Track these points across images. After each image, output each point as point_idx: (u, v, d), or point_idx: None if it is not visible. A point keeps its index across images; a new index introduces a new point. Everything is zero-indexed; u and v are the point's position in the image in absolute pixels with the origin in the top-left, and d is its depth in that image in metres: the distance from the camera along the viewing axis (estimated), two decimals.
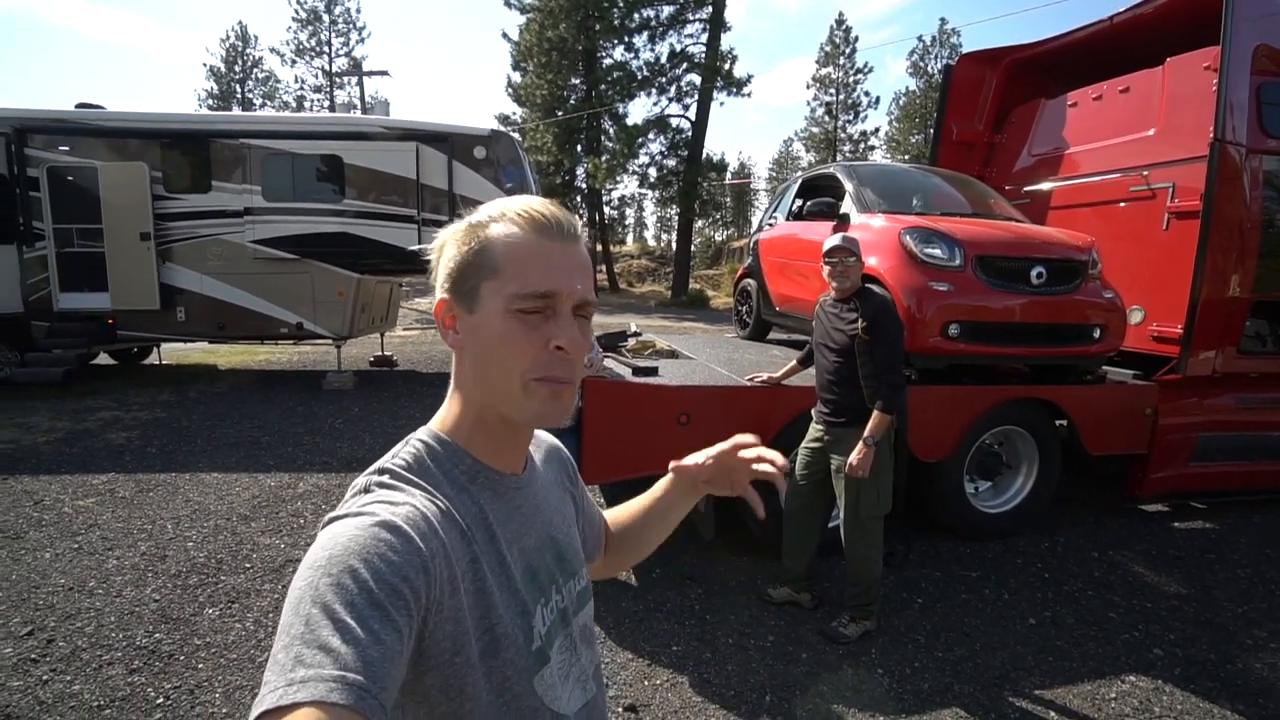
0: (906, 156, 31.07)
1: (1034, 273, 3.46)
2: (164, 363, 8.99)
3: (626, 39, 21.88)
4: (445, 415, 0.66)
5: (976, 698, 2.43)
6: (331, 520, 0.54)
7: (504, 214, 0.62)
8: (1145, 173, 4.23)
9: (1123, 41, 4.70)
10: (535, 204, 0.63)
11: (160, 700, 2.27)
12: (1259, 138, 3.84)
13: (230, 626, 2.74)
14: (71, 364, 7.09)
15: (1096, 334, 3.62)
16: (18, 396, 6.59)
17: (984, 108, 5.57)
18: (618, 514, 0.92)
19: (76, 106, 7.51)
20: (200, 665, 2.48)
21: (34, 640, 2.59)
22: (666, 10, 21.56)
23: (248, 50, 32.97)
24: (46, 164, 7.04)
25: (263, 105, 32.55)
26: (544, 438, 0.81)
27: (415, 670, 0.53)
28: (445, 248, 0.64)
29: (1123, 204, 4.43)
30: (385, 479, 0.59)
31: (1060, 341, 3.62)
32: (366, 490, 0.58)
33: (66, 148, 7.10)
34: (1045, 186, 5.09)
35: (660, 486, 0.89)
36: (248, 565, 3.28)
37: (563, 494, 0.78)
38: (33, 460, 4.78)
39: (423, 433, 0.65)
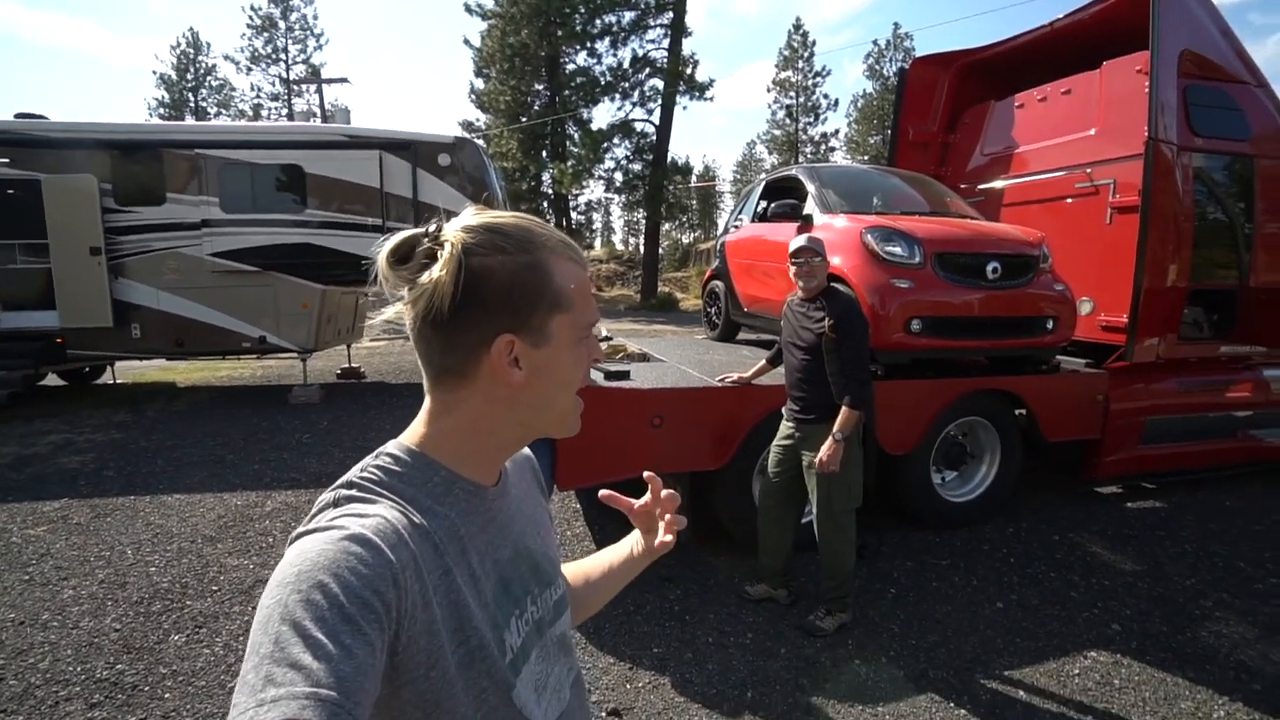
0: (866, 157, 31.84)
1: (989, 268, 3.60)
2: (118, 382, 8.61)
3: (589, 44, 21.91)
4: (427, 432, 0.64)
5: (950, 682, 2.51)
6: (299, 536, 0.53)
7: (547, 243, 0.62)
8: (1089, 170, 4.44)
9: (1064, 45, 4.93)
10: (556, 232, 0.65)
11: None
12: (1187, 136, 4.07)
13: (198, 653, 2.65)
14: (16, 386, 6.74)
15: (1050, 325, 3.78)
16: None
17: (938, 109, 5.77)
18: (578, 568, 0.92)
19: (16, 116, 7.17)
20: (167, 695, 2.39)
21: None
22: (628, 16, 21.68)
23: (200, 57, 31.92)
24: None
25: (218, 114, 31.56)
26: None
27: (391, 685, 0.52)
28: (454, 280, 0.57)
29: (1069, 200, 4.64)
30: (353, 492, 0.58)
31: (1016, 333, 3.77)
32: (335, 504, 0.57)
33: (6, 160, 6.78)
34: (997, 184, 5.29)
35: (626, 544, 0.92)
36: (215, 588, 3.17)
37: (536, 503, 0.78)
38: None
39: (392, 446, 0.63)
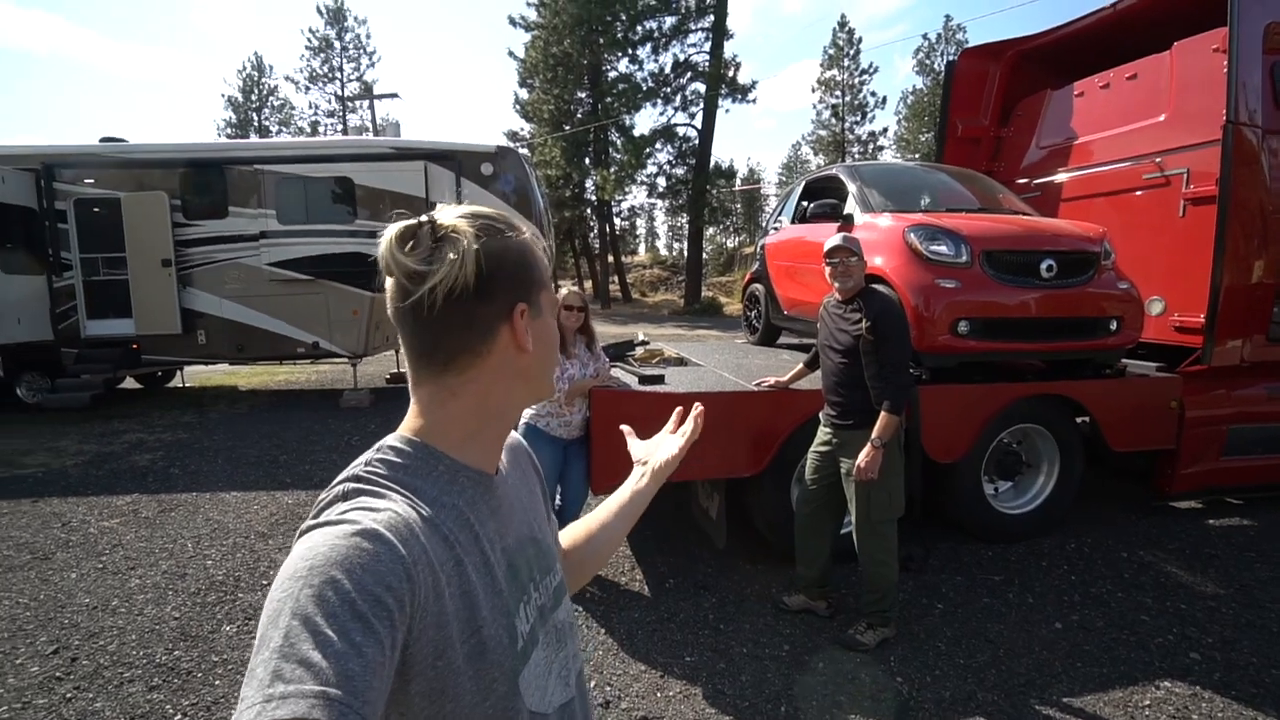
0: (916, 155, 30.82)
1: (1044, 266, 3.39)
2: (187, 385, 9.20)
3: (630, 51, 22.15)
4: (428, 421, 0.64)
5: (1000, 706, 2.35)
6: (309, 529, 0.53)
7: (520, 226, 0.67)
8: (1158, 159, 4.13)
9: (1127, 28, 4.62)
10: (519, 217, 0.69)
11: (178, 717, 2.30)
12: (1275, 118, 3.73)
13: (247, 643, 2.76)
14: (98, 388, 7.30)
15: (1113, 326, 3.53)
16: (50, 422, 6.79)
17: (989, 102, 5.50)
18: (577, 528, 0.92)
19: (100, 140, 7.78)
20: (218, 682, 2.51)
21: (59, 659, 2.64)
22: (669, 21, 21.80)
23: (263, 79, 33.93)
24: (73, 196, 7.31)
25: (279, 131, 33.42)
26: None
27: (401, 679, 0.52)
28: (476, 258, 0.60)
29: (1137, 192, 4.33)
30: (362, 485, 0.58)
31: (1075, 335, 3.53)
32: (344, 497, 0.57)
33: (92, 180, 7.36)
34: (1056, 178, 4.99)
35: (626, 486, 0.95)
36: (265, 582, 3.31)
37: (531, 489, 0.78)
38: (61, 483, 4.91)
39: (392, 439, 0.64)
